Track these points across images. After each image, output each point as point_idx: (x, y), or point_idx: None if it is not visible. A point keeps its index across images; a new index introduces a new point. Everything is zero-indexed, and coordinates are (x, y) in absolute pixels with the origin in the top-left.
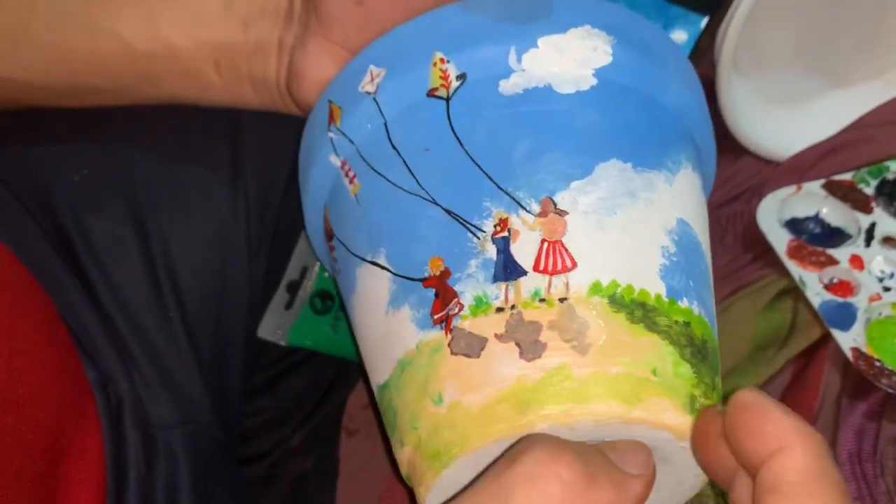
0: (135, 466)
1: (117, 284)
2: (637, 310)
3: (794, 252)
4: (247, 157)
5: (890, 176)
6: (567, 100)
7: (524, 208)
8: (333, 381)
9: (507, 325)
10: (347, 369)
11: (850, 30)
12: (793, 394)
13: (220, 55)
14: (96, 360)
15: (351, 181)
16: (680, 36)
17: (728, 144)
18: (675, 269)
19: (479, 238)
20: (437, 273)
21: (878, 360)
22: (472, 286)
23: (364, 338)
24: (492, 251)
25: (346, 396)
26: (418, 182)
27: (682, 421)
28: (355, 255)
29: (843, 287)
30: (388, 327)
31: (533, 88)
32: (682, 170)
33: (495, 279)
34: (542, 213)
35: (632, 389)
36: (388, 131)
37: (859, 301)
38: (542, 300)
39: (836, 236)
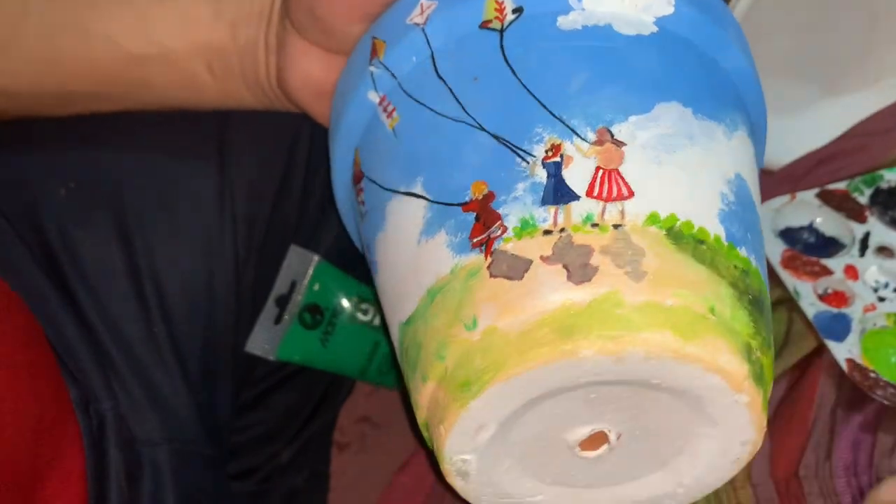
0: (117, 486)
1: (103, 299)
2: (696, 245)
3: (788, 262)
4: (235, 170)
5: (884, 185)
6: (627, 40)
7: (579, 136)
8: (324, 396)
9: (555, 248)
10: (338, 383)
11: (843, 39)
12: (788, 405)
13: (213, 57)
14: (79, 377)
15: (389, 115)
16: None
17: None
18: (733, 216)
19: (528, 162)
20: (480, 197)
21: (874, 371)
22: (518, 209)
23: (390, 278)
24: (542, 175)
25: (338, 411)
26: (465, 109)
27: (739, 367)
28: (386, 190)
29: (837, 297)
30: (418, 257)
31: (593, 26)
32: (738, 131)
33: (544, 202)
34: (598, 142)
35: (688, 323)
36: (434, 62)
37: (854, 311)
38: (595, 225)
39: (830, 246)
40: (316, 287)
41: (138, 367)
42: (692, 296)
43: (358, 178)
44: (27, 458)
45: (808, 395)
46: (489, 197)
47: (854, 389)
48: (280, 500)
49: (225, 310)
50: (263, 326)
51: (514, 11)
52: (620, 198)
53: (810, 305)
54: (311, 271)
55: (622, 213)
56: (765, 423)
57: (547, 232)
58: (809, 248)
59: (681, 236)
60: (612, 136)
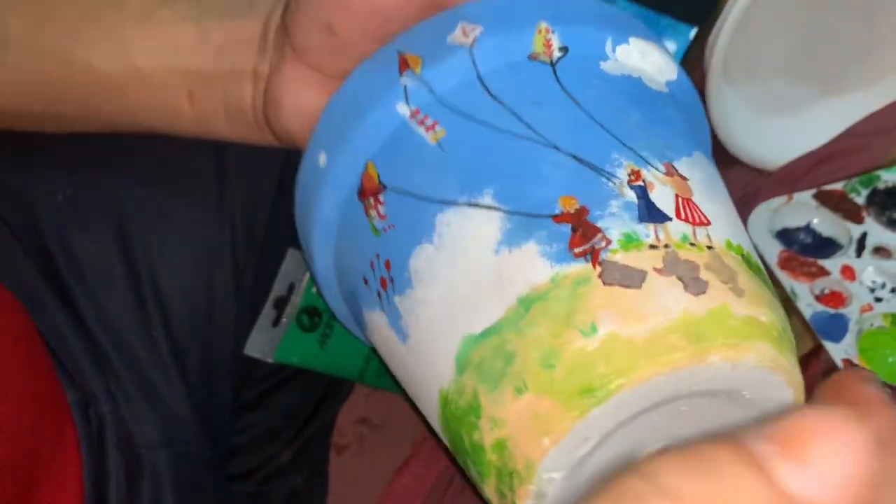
0: (116, 488)
1: (102, 303)
2: (760, 271)
3: (785, 263)
4: (233, 172)
5: (881, 185)
6: (653, 93)
7: (652, 166)
8: (323, 397)
9: (665, 261)
10: (337, 385)
11: (841, 39)
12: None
13: (194, 84)
14: (78, 380)
15: (429, 128)
16: (669, 46)
17: (719, 154)
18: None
19: (613, 183)
20: (572, 210)
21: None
22: (617, 224)
23: (445, 290)
24: (631, 195)
25: (336, 412)
26: (532, 128)
27: (801, 381)
28: (436, 201)
29: (834, 298)
30: (500, 266)
31: (628, 76)
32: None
33: (641, 220)
34: (668, 174)
35: (776, 339)
36: (483, 83)
37: (851, 312)
38: (692, 244)
39: (827, 246)
40: (314, 290)
41: (137, 370)
42: (775, 315)
43: (373, 190)
44: (25, 461)
45: (805, 397)
46: (583, 211)
47: None
48: (279, 501)
49: (224, 313)
50: (261, 329)
51: (560, 49)
52: (702, 224)
53: (807, 306)
54: (309, 274)
55: (708, 237)
56: None
57: (653, 246)
58: (806, 248)
59: (750, 263)
60: (677, 170)
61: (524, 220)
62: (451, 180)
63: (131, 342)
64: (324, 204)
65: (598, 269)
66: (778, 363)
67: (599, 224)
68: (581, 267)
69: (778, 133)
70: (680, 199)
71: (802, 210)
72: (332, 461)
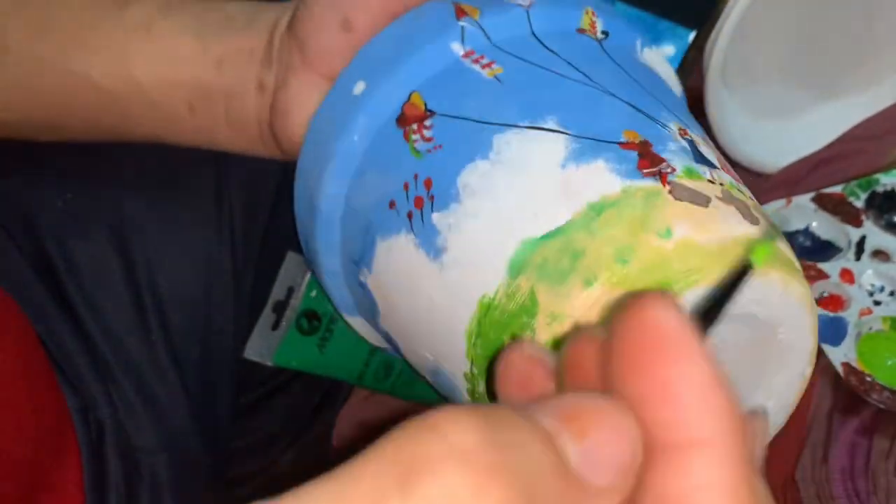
0: (116, 493)
1: (101, 309)
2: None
3: None
4: (232, 177)
5: (880, 189)
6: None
7: (694, 132)
8: (322, 400)
9: (724, 193)
10: (336, 388)
11: (839, 43)
12: None
13: (195, 96)
14: (77, 386)
15: (486, 66)
16: (668, 50)
17: None
18: None
19: (668, 130)
20: (637, 141)
21: (870, 376)
22: (678, 159)
23: (507, 198)
24: (684, 143)
25: (336, 416)
26: (589, 78)
27: (811, 297)
28: (493, 124)
29: (833, 301)
30: (567, 178)
31: (655, 71)
32: None
33: (697, 162)
34: (706, 143)
35: (792, 264)
36: (538, 39)
37: (850, 315)
38: (740, 191)
39: (826, 250)
40: (313, 293)
41: (136, 376)
42: (788, 248)
43: (417, 117)
44: (25, 468)
45: (804, 400)
46: (647, 143)
47: (850, 393)
48: None
49: (223, 317)
50: (261, 332)
51: (602, 32)
52: (734, 177)
53: None
54: (308, 277)
55: (745, 192)
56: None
57: (710, 181)
58: (805, 251)
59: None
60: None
61: (591, 144)
62: (510, 106)
63: (130, 347)
64: (355, 130)
65: (668, 187)
66: (814, 309)
67: (664, 156)
68: (650, 184)
69: (776, 137)
70: (720, 158)
71: (801, 213)
72: (330, 464)
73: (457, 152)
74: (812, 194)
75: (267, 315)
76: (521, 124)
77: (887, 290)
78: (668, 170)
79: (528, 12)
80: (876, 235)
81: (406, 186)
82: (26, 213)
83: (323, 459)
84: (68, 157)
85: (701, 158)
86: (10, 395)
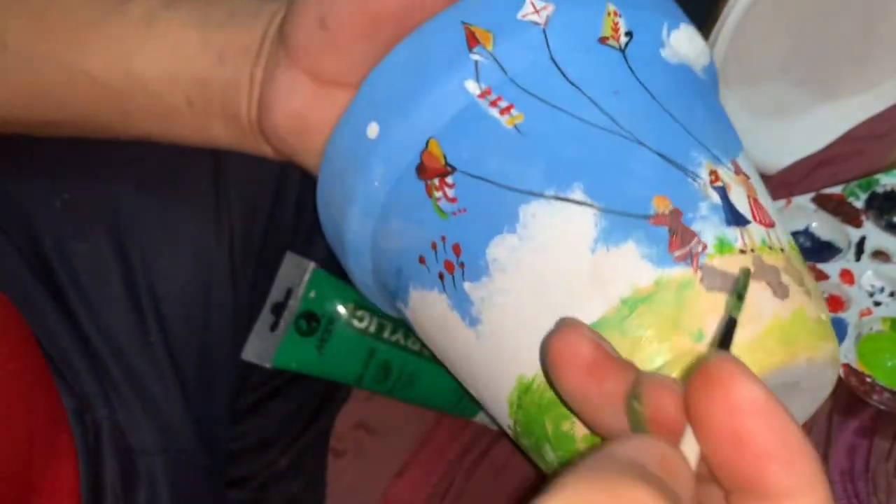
0: (112, 495)
1: (98, 309)
2: (805, 263)
3: None
4: (230, 178)
5: (880, 189)
6: (702, 82)
7: (724, 164)
8: (321, 403)
9: (755, 266)
10: (335, 390)
11: (839, 43)
12: None
13: (194, 91)
14: (74, 387)
15: (504, 111)
16: None
17: None
18: None
19: (698, 184)
20: (667, 212)
21: (870, 377)
22: (709, 227)
23: (540, 278)
24: (715, 197)
25: (334, 417)
26: (616, 122)
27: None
28: (518, 191)
29: (833, 302)
30: (598, 264)
31: (682, 63)
32: None
33: (728, 223)
34: (736, 172)
35: (832, 335)
36: (558, 66)
37: (850, 316)
38: (770, 248)
39: (826, 250)
40: (312, 294)
41: (134, 377)
42: (826, 312)
43: (438, 171)
44: (21, 468)
45: None
46: (677, 213)
47: (850, 394)
48: None
49: (221, 318)
50: (259, 334)
51: (626, 34)
52: (770, 225)
53: None
54: (306, 278)
55: (778, 238)
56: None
57: (742, 251)
58: (805, 252)
59: (800, 256)
60: (741, 168)
61: (620, 220)
62: (534, 170)
63: (128, 348)
64: (374, 177)
65: (699, 273)
66: (836, 358)
67: (693, 227)
68: (682, 271)
69: (776, 137)
70: (751, 200)
71: (801, 214)
72: (329, 467)
73: (483, 220)
74: (812, 195)
75: (265, 317)
76: (547, 193)
77: (887, 290)
78: (699, 248)
79: (545, 32)
80: (876, 236)
81: (434, 246)
82: (23, 213)
83: (321, 462)
84: (66, 157)
85: (732, 216)
86: (6, 393)
